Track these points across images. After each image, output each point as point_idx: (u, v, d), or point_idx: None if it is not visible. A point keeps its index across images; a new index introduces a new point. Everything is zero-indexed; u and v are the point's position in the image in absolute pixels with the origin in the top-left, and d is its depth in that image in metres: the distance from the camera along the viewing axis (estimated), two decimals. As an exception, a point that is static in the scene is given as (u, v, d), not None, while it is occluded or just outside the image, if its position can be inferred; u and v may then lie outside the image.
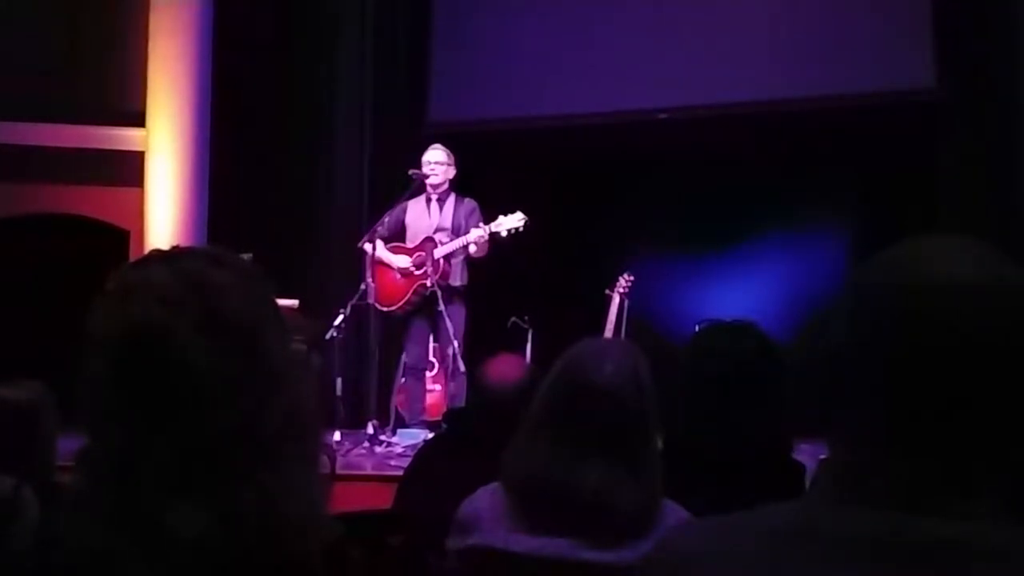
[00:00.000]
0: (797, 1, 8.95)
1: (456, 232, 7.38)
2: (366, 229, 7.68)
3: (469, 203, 7.51)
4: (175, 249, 1.39)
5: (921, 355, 1.06)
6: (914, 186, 8.57)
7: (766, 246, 8.97)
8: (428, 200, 7.52)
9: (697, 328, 3.12)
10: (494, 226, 7.23)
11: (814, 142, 8.91)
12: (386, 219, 7.44)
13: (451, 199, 7.53)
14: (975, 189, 8.30)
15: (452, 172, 7.52)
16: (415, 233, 7.49)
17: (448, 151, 7.54)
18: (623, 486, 2.24)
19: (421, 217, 7.51)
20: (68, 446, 2.27)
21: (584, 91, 9.11)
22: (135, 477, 1.24)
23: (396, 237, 7.54)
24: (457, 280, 7.43)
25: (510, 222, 7.22)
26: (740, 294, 8.57)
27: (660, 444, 2.86)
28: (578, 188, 9.53)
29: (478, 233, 7.21)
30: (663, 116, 9.04)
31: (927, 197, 8.47)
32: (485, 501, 2.38)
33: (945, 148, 8.53)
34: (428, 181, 7.42)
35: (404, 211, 7.54)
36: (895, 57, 8.47)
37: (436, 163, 7.45)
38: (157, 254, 1.36)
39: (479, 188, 7.72)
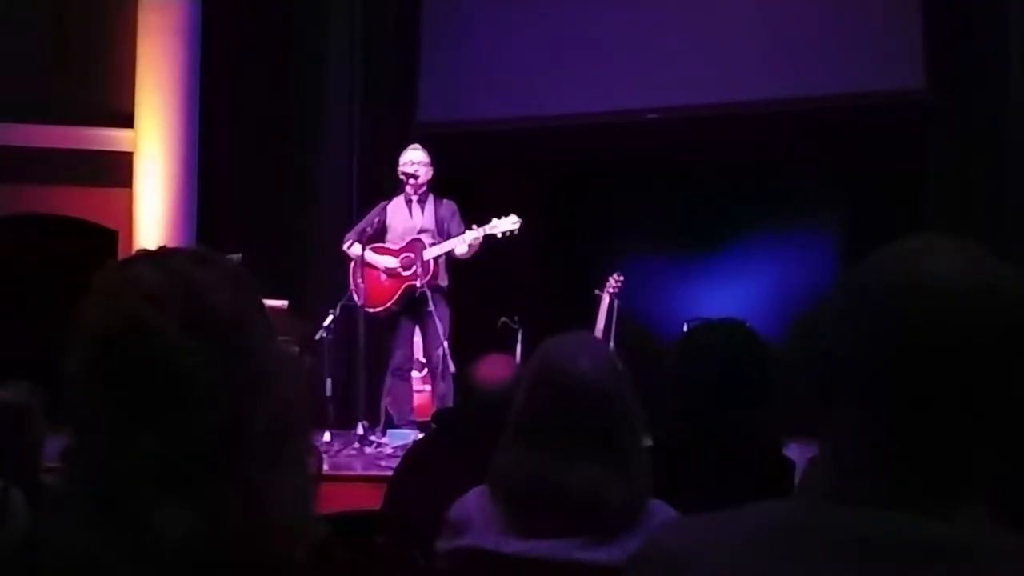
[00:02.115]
0: (787, 2, 8.96)
1: (440, 233, 7.37)
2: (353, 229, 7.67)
3: (449, 204, 7.50)
4: (161, 249, 1.38)
5: (912, 356, 1.06)
6: (903, 186, 8.59)
7: (756, 246, 8.98)
8: (408, 201, 7.50)
9: (686, 327, 3.11)
10: (488, 228, 7.21)
11: (804, 142, 8.93)
12: (376, 219, 7.44)
13: (430, 200, 7.51)
14: (964, 189, 8.33)
15: (431, 172, 7.50)
16: (397, 234, 7.47)
17: (425, 151, 7.53)
18: (612, 480, 2.24)
19: (403, 218, 7.49)
20: (57, 447, 2.26)
21: (573, 91, 9.11)
22: (120, 476, 1.24)
23: (376, 239, 7.52)
24: (444, 281, 7.42)
25: (505, 224, 7.20)
26: (730, 294, 8.58)
27: (650, 442, 2.87)
28: (568, 188, 9.54)
29: (473, 235, 7.20)
30: (653, 116, 9.05)
31: (916, 197, 8.49)
32: (476, 502, 2.37)
33: (934, 149, 8.56)
34: (414, 182, 7.39)
35: (384, 211, 7.51)
36: (885, 58, 8.49)
37: (420, 163, 7.43)
38: (143, 254, 1.36)
39: (468, 188, 7.72)
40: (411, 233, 7.41)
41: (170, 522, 1.22)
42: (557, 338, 2.46)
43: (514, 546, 2.25)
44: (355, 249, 7.37)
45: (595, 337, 2.50)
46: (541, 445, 2.28)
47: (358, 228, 7.47)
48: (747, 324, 2.98)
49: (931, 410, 1.06)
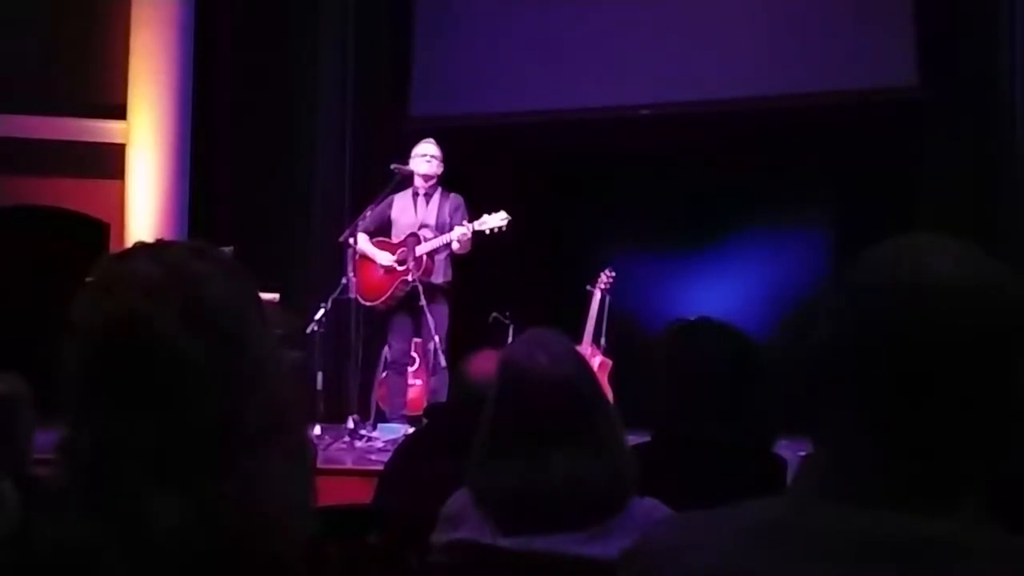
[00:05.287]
0: (782, 0, 8.97)
1: (441, 228, 7.36)
2: (348, 223, 7.67)
3: (455, 199, 7.49)
4: (159, 242, 1.39)
5: (910, 354, 1.06)
6: (896, 184, 8.60)
7: (748, 243, 9.00)
8: (415, 195, 7.49)
9: (666, 327, 3.08)
10: (477, 224, 7.21)
11: (797, 139, 8.94)
12: (368, 213, 7.43)
13: (437, 194, 7.50)
14: (957, 187, 8.33)
15: (442, 166, 7.50)
16: (401, 228, 7.47)
17: (438, 145, 7.53)
18: (590, 465, 2.26)
19: (407, 212, 7.48)
20: (46, 439, 2.26)
21: (567, 87, 9.11)
22: (116, 467, 1.24)
23: (382, 231, 7.52)
24: (440, 277, 7.40)
25: (493, 221, 7.20)
26: (722, 291, 8.59)
27: (648, 438, 2.88)
28: (561, 183, 9.54)
29: (461, 231, 7.19)
30: (646, 112, 9.05)
31: (909, 195, 8.50)
32: (470, 498, 2.38)
33: (927, 146, 8.57)
34: (425, 172, 7.39)
35: (389, 205, 7.51)
36: (878, 55, 8.50)
37: (432, 156, 7.43)
38: (141, 246, 1.36)
39: (461, 183, 7.71)
40: (412, 227, 7.41)
41: (165, 513, 1.22)
42: (515, 341, 2.49)
43: (509, 540, 2.26)
44: (350, 241, 7.37)
45: (552, 332, 2.50)
46: (515, 449, 2.30)
47: (361, 219, 7.44)
48: (727, 322, 2.98)
49: (929, 409, 1.06)
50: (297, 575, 1.31)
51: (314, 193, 9.42)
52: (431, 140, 7.54)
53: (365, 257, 7.41)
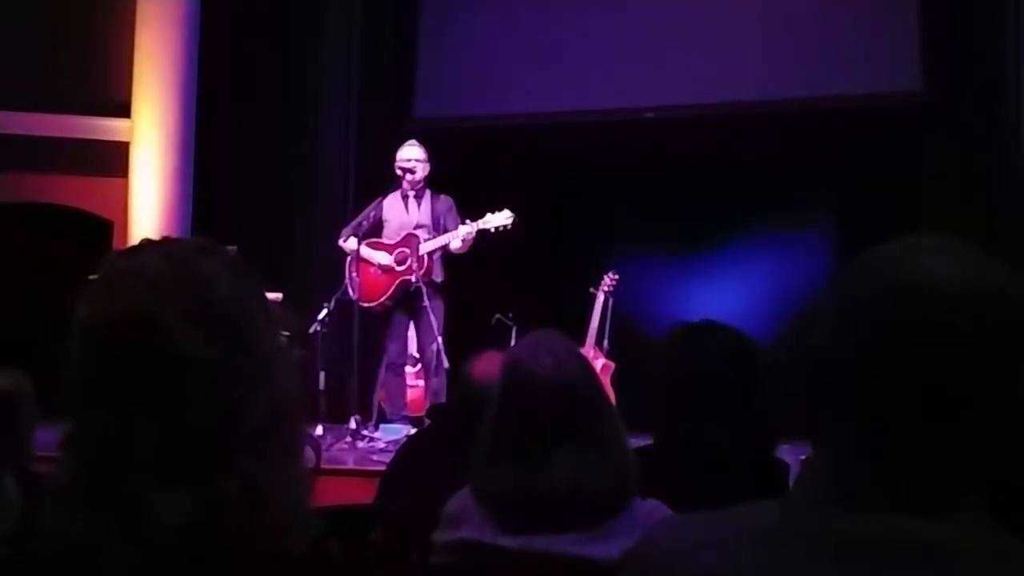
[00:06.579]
0: (785, 3, 8.96)
1: (436, 228, 7.38)
2: (349, 223, 7.68)
3: (446, 200, 7.51)
4: (166, 239, 1.39)
5: (903, 357, 1.06)
6: (898, 188, 8.60)
7: (752, 246, 8.99)
8: (405, 196, 7.51)
9: (670, 330, 3.09)
10: (482, 223, 7.23)
11: (800, 143, 8.93)
12: (372, 214, 7.44)
13: (427, 195, 7.53)
14: (959, 191, 8.33)
15: (428, 168, 7.51)
16: (393, 229, 7.48)
17: (423, 147, 7.53)
18: (591, 467, 2.27)
19: (399, 213, 7.50)
20: (47, 437, 2.26)
21: (570, 89, 9.11)
22: (119, 463, 1.24)
23: (372, 233, 7.53)
24: (439, 276, 7.43)
25: (498, 219, 7.22)
26: (725, 293, 8.58)
27: (651, 440, 2.88)
28: (564, 185, 9.54)
29: (466, 230, 7.21)
30: (650, 115, 9.05)
31: (911, 199, 8.49)
32: (471, 497, 2.38)
33: (930, 150, 8.56)
34: (411, 178, 7.40)
35: (380, 207, 7.53)
36: (881, 59, 8.50)
37: (417, 160, 7.43)
38: (148, 243, 1.37)
39: (464, 184, 7.72)
40: (407, 228, 7.43)
41: (168, 509, 1.22)
42: (519, 342, 2.50)
43: (510, 540, 2.26)
44: (351, 244, 7.39)
45: (555, 334, 2.52)
46: (517, 449, 2.31)
47: (354, 223, 7.49)
48: (729, 325, 2.98)
49: (928, 411, 1.06)
50: (298, 573, 1.31)
51: (317, 193, 9.43)
52: (415, 143, 7.54)
53: (362, 259, 7.41)
